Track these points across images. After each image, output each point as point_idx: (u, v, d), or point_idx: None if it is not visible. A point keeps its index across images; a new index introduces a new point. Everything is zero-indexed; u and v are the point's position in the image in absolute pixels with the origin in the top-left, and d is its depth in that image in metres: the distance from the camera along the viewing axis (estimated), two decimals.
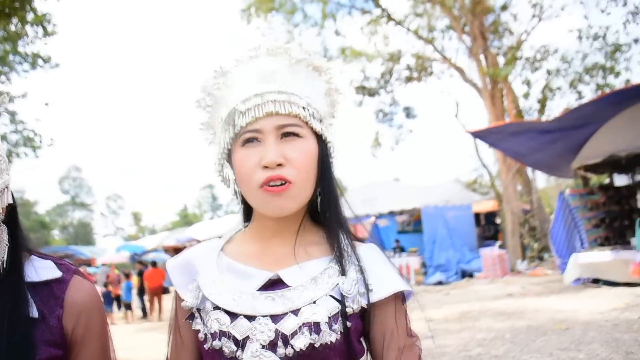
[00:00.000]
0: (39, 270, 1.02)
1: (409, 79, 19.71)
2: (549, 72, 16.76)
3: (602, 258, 9.56)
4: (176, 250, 26.33)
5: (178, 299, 1.09)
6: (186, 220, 61.06)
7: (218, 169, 1.07)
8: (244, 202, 1.09)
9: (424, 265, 15.36)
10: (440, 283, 14.13)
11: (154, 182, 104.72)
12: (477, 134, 11.72)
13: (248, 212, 1.13)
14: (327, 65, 1.10)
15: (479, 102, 17.72)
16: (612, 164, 10.77)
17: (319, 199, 1.06)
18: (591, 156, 10.42)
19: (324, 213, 1.07)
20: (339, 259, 1.01)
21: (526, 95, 16.57)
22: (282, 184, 0.96)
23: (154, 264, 14.95)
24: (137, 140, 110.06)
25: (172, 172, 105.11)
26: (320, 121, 1.04)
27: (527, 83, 16.51)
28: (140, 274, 14.06)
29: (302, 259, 1.03)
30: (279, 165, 0.96)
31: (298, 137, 0.99)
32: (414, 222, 17.37)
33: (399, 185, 21.20)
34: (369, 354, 1.04)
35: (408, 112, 21.02)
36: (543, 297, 9.32)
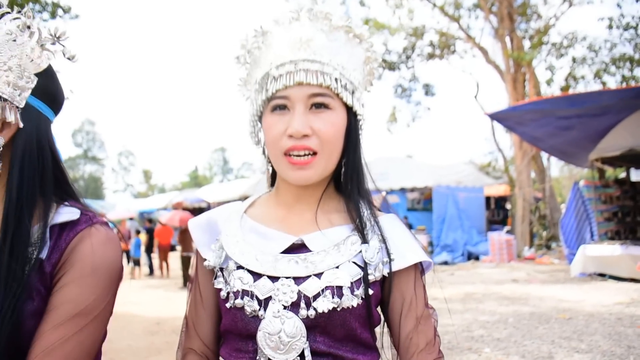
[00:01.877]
0: (56, 215, 0.99)
1: (430, 56, 19.40)
2: (574, 60, 16.43)
3: (611, 252, 9.53)
4: (185, 211, 26.61)
5: (199, 258, 1.11)
6: (196, 181, 61.48)
7: (250, 130, 1.09)
8: (272, 165, 1.11)
9: (431, 244, 15.40)
10: (445, 263, 14.20)
11: (166, 142, 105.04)
12: (495, 117, 11.58)
13: (274, 176, 1.16)
14: (367, 34, 1.09)
15: (500, 85, 17.42)
16: (630, 159, 10.63)
17: (342, 170, 1.08)
18: (610, 148, 10.29)
19: (346, 183, 1.08)
20: (361, 228, 1.03)
21: (549, 82, 16.27)
22: (306, 155, 0.98)
23: (162, 222, 15.09)
24: (152, 99, 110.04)
25: (185, 132, 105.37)
26: (353, 92, 1.03)
27: (551, 69, 16.20)
28: (149, 232, 14.22)
29: (324, 225, 1.05)
30: (305, 136, 0.97)
31: (327, 108, 0.99)
32: (424, 201, 17.35)
33: (411, 162, 21.08)
34: (385, 322, 1.08)
35: (427, 90, 20.79)
36: (548, 286, 9.35)
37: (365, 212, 1.06)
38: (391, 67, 19.80)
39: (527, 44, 16.28)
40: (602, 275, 9.85)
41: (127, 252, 15.35)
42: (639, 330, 5.73)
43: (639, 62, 15.42)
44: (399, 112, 21.27)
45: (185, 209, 26.84)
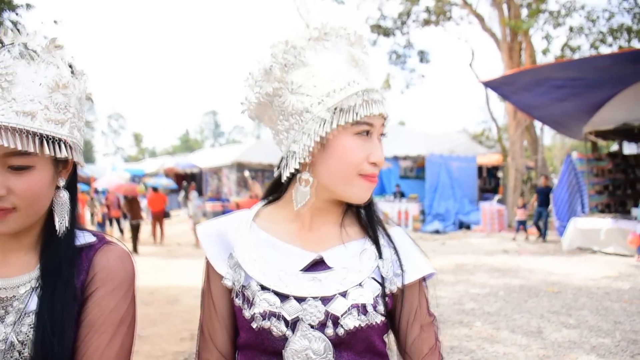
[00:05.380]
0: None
1: (426, 22, 19.08)
2: (571, 29, 16.19)
3: (601, 225, 9.64)
4: (177, 176, 26.48)
5: (211, 270, 1.10)
6: (187, 145, 61.12)
7: (310, 144, 0.99)
8: (292, 177, 1.06)
9: (422, 212, 15.52)
10: (437, 232, 14.33)
11: (156, 105, 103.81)
12: (490, 84, 11.51)
13: (279, 187, 1.14)
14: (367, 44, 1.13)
15: (495, 53, 17.18)
16: (623, 132, 10.67)
17: None
18: (604, 122, 10.31)
19: None
20: (377, 241, 1.07)
21: (545, 52, 16.06)
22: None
23: (154, 189, 15.05)
24: (142, 60, 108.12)
25: (176, 95, 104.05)
26: None
27: (548, 38, 15.98)
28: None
29: (345, 239, 1.08)
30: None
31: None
32: (417, 169, 17.40)
33: (404, 130, 21.03)
34: (390, 328, 1.11)
35: (422, 57, 20.55)
36: (538, 257, 9.50)
37: (378, 225, 1.10)
38: (386, 32, 19.49)
39: (524, 11, 16.02)
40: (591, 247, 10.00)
41: (118, 220, 15.36)
42: (626, 305, 5.85)
43: (637, 33, 15.20)
44: (393, 79, 21.10)
45: (177, 174, 26.71)
